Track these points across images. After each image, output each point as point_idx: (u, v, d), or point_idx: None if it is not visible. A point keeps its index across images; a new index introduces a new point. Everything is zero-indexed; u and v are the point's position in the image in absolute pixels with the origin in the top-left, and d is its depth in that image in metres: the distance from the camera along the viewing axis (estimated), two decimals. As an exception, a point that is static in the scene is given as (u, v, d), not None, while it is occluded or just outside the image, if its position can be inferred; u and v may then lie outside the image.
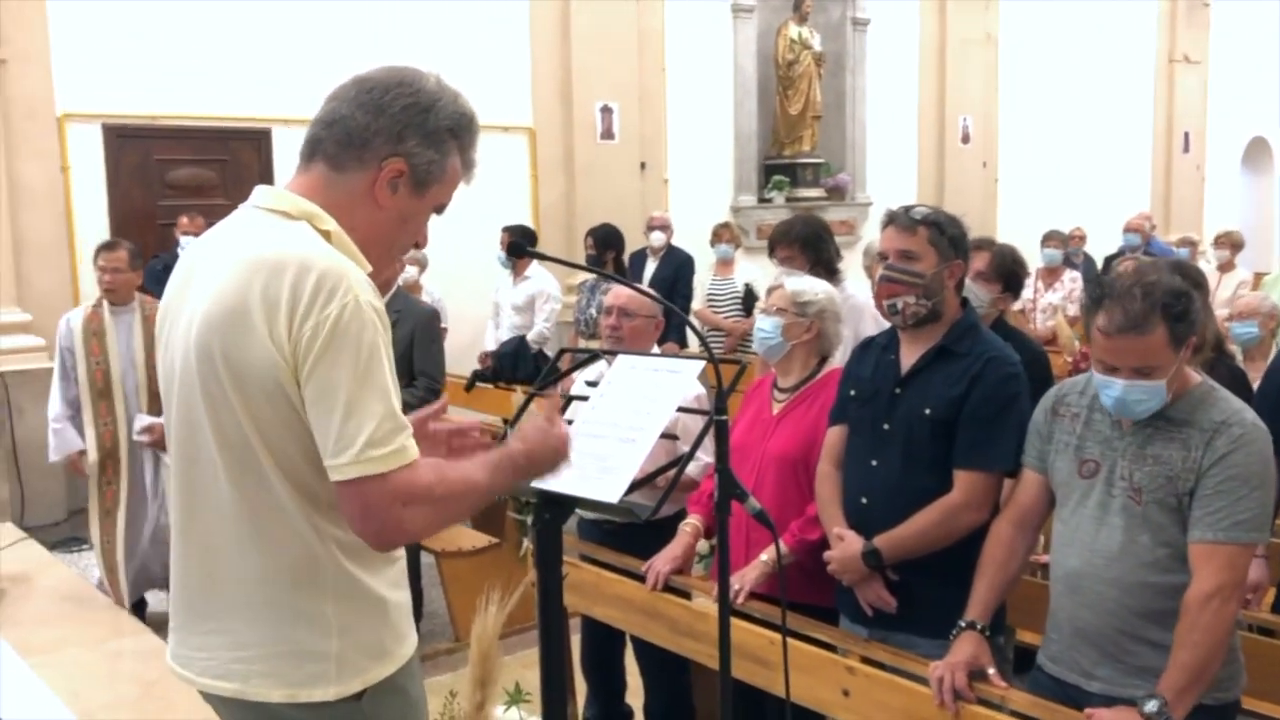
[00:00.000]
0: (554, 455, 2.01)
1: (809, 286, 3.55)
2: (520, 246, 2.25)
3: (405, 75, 1.85)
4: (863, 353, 3.25)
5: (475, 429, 2.12)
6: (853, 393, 3.18)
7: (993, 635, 2.72)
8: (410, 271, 7.95)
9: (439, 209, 1.93)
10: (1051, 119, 14.58)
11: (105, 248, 5.37)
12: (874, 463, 3.05)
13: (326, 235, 1.78)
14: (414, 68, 1.87)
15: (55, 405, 5.24)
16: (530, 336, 8.17)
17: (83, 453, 5.23)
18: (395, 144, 1.81)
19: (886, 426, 3.05)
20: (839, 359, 3.74)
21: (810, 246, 4.84)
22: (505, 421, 6.44)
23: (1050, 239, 9.72)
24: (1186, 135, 16.29)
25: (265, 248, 1.74)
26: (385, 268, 1.94)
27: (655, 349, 4.12)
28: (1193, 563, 2.35)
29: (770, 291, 3.68)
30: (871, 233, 12.17)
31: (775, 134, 12.06)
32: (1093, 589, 2.50)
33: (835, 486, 3.18)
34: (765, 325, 3.54)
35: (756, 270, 8.51)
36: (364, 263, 1.81)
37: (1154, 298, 2.36)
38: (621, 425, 2.30)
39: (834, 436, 3.24)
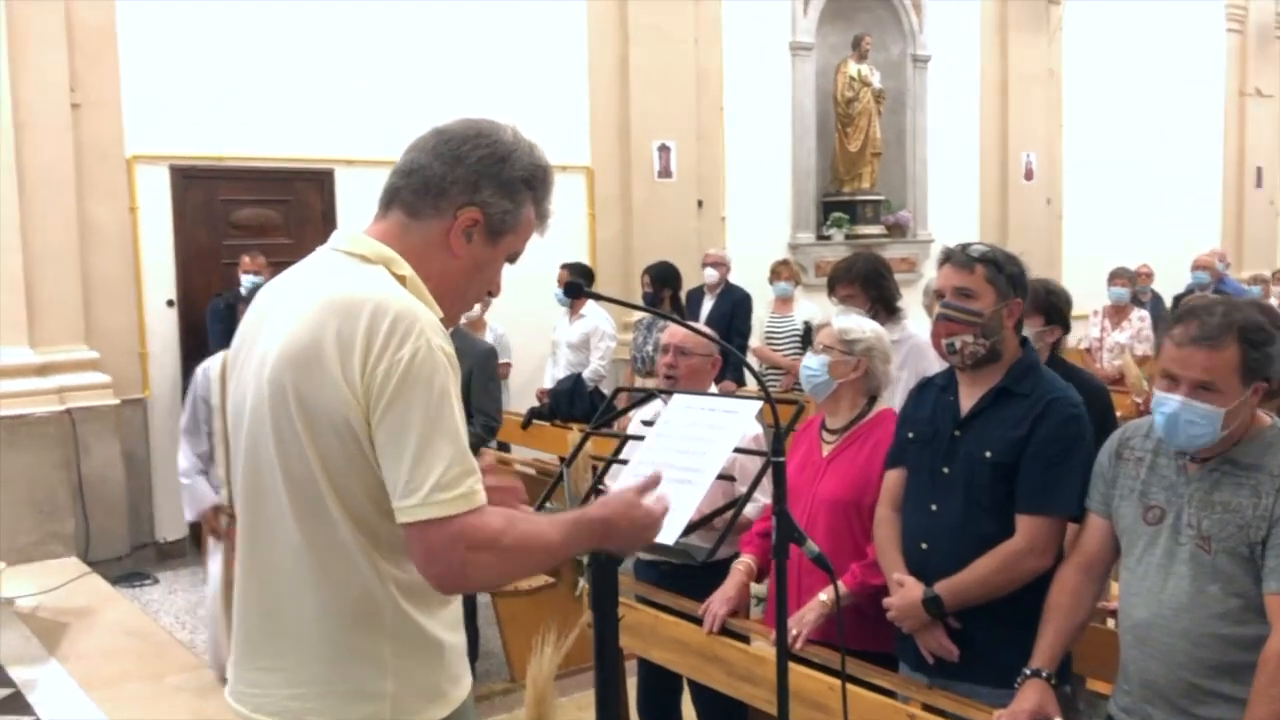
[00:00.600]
0: (636, 531, 1.93)
1: (856, 324, 3.56)
2: (578, 286, 2.28)
3: (483, 127, 1.89)
4: (920, 394, 3.22)
5: (518, 494, 2.08)
6: (911, 435, 3.15)
7: (1059, 684, 2.66)
8: (473, 310, 8.00)
9: (512, 258, 1.96)
10: (1117, 154, 14.40)
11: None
12: (934, 507, 3.02)
13: (401, 280, 1.81)
14: (492, 120, 1.91)
15: (184, 460, 5.04)
16: (586, 374, 8.21)
17: (218, 508, 5.04)
18: (471, 194, 1.85)
19: (946, 470, 3.01)
20: (895, 400, 3.71)
21: (871, 284, 4.85)
22: (561, 460, 6.45)
23: (1117, 277, 9.57)
24: (1259, 170, 15.99)
25: (341, 289, 1.77)
26: (458, 314, 1.97)
27: (712, 388, 4.13)
28: (1271, 615, 2.28)
29: (818, 330, 3.67)
30: (933, 270, 12.06)
31: (834, 171, 12.05)
32: (1161, 640, 2.44)
33: (894, 531, 3.15)
34: (812, 363, 3.54)
35: (816, 308, 8.47)
36: (436, 308, 1.83)
37: (1234, 319, 2.33)
38: (678, 466, 2.31)
39: (892, 480, 3.21)
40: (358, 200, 9.03)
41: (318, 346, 1.73)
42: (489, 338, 8.00)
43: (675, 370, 3.95)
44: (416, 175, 1.86)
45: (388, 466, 1.70)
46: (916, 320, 5.34)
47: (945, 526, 3.00)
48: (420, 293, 1.81)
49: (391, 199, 1.89)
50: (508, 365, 8.56)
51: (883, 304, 4.73)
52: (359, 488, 1.75)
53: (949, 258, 3.03)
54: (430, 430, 1.68)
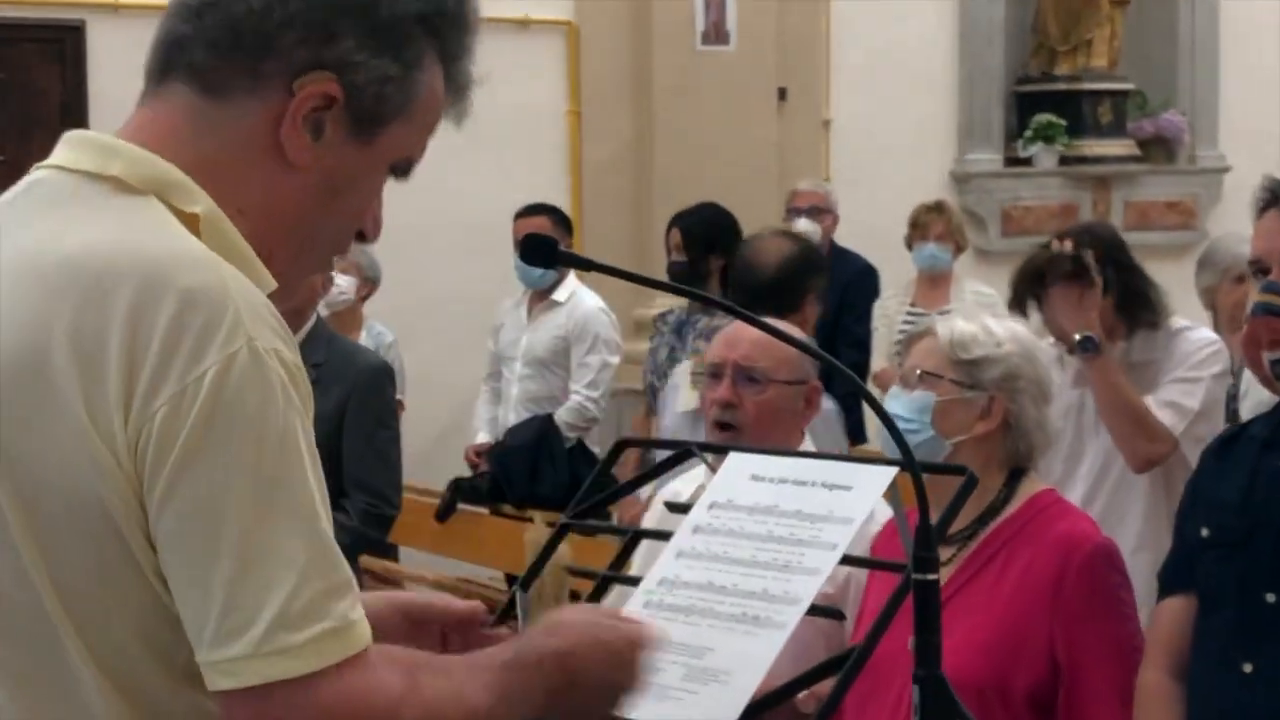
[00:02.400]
0: (614, 670, 2.01)
1: (983, 329, 3.59)
2: (548, 248, 2.28)
3: None
4: (1224, 455, 3.26)
5: (485, 620, 2.18)
6: (1205, 533, 3.19)
7: None
8: (341, 289, 8.06)
9: (402, 168, 1.99)
10: None
11: None
12: (1247, 668, 3.10)
13: (192, 222, 1.82)
14: None
15: None
16: (561, 415, 8.23)
17: None
18: (319, 47, 1.87)
19: (1273, 598, 3.06)
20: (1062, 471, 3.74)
21: (1128, 285, 4.92)
22: (511, 581, 6.41)
23: None
24: None
25: (76, 248, 1.78)
26: (301, 277, 1.99)
27: (806, 441, 4.13)
28: None
29: (910, 343, 3.71)
30: (1224, 223, 12.07)
31: (1040, 35, 12.09)
32: None
33: (1175, 714, 3.22)
34: (900, 407, 3.55)
35: (993, 294, 8.46)
36: (263, 274, 1.85)
37: None
38: (737, 592, 2.31)
39: (1172, 616, 3.27)
40: (130, 79, 9.13)
41: (37, 362, 1.74)
42: (366, 343, 8.00)
43: (735, 411, 3.96)
44: (214, 14, 1.88)
45: (184, 588, 1.71)
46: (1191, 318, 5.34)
47: (1272, 701, 3.06)
48: (228, 243, 1.82)
49: (169, 62, 1.91)
50: (400, 403, 8.61)
51: (1146, 319, 4.86)
52: (125, 626, 1.76)
53: (1275, 200, 3.07)
54: (264, 513, 1.70)
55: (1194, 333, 5.09)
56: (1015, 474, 3.56)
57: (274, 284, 1.85)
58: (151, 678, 1.78)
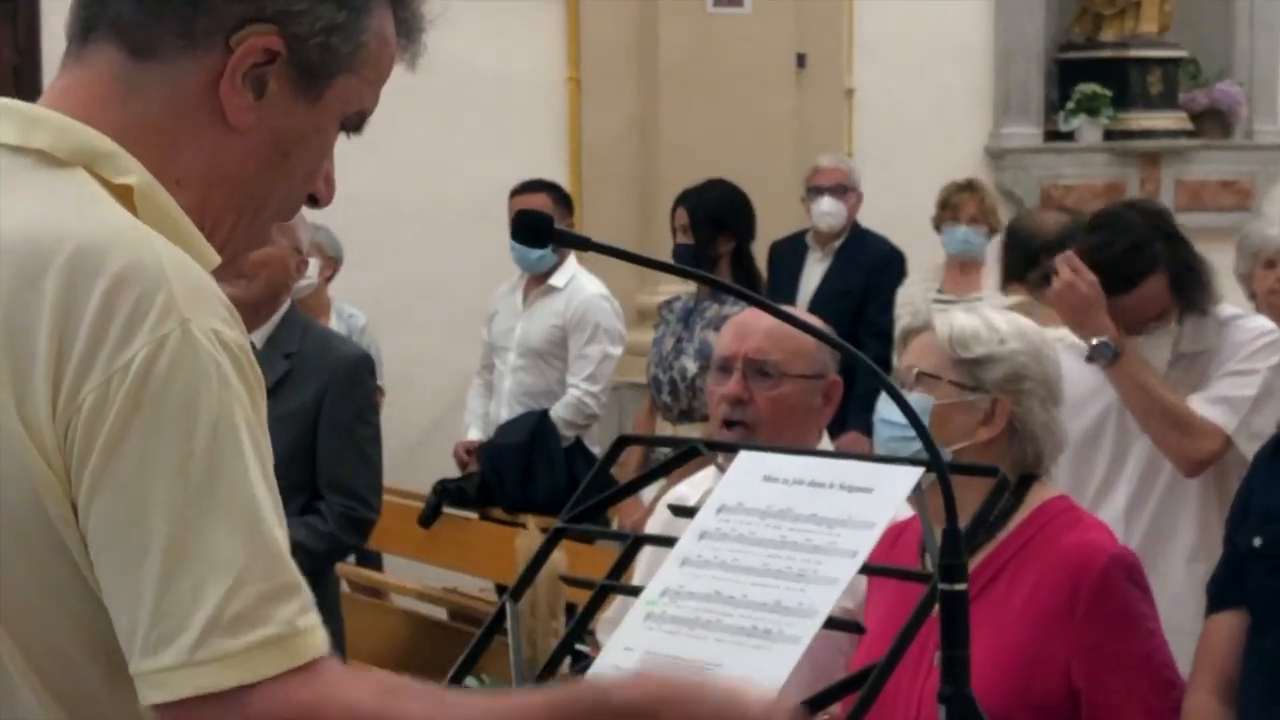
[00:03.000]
0: None
1: (985, 324, 3.59)
2: (544, 227, 2.28)
3: None
4: (1275, 462, 3.33)
5: None
6: (1257, 542, 3.24)
7: None
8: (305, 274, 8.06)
9: (354, 123, 1.99)
10: None
11: None
12: None
13: (125, 194, 1.82)
14: None
15: None
16: (557, 411, 8.25)
17: None
18: None
19: None
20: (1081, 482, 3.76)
21: (1183, 270, 4.88)
22: (502, 591, 6.40)
23: None
24: None
25: (1, 226, 1.78)
26: (246, 250, 1.98)
27: (825, 440, 4.14)
28: None
29: (905, 339, 3.72)
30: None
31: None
32: None
33: None
34: (894, 412, 3.48)
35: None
36: (204, 249, 1.85)
37: None
38: (748, 604, 2.32)
39: (1219, 633, 3.32)
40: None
41: None
42: (336, 327, 7.99)
43: (748, 408, 3.96)
44: None
45: (113, 595, 1.72)
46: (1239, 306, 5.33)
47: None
48: (165, 216, 1.82)
49: (90, 20, 1.91)
50: (381, 393, 8.64)
51: (1200, 301, 4.80)
52: (71, 635, 1.77)
53: None
54: (193, 511, 1.69)
55: (1248, 321, 5.06)
56: (1024, 481, 3.56)
57: (216, 260, 1.86)
58: (96, 688, 1.79)
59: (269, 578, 1.72)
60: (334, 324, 8.08)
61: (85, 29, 1.91)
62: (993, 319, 3.59)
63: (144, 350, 1.69)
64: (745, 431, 3.91)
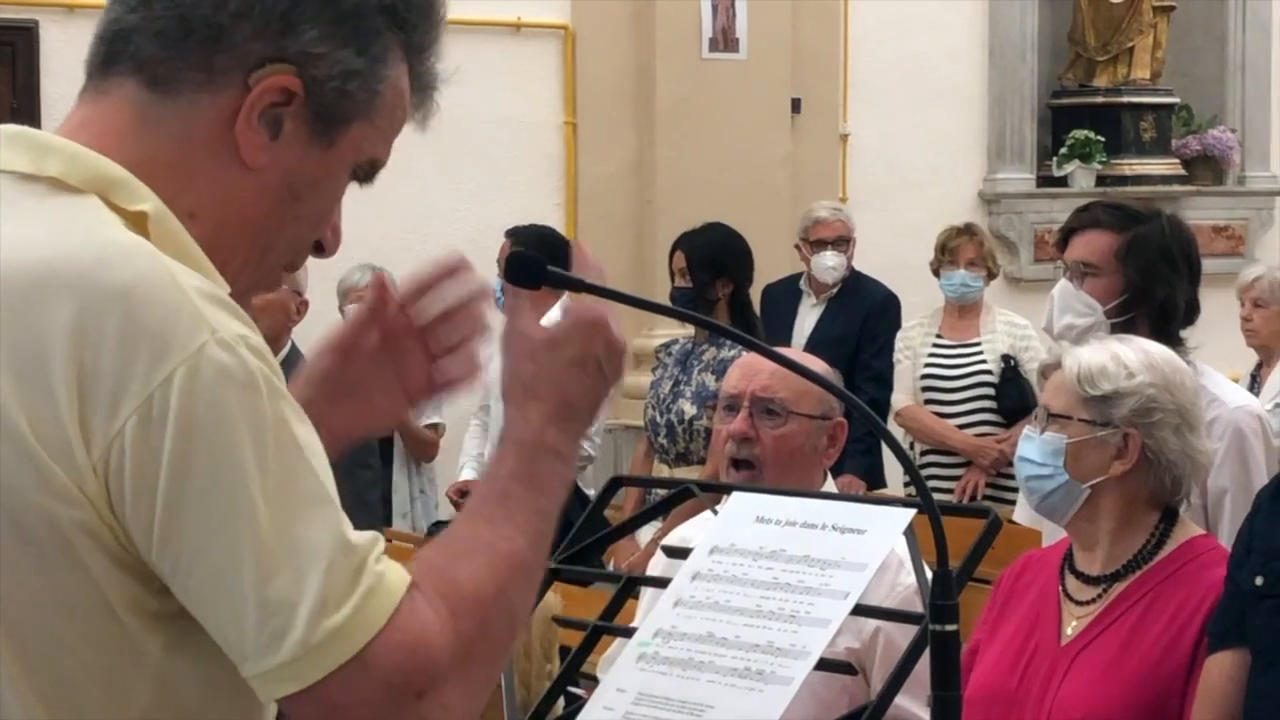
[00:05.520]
0: (598, 377, 2.06)
1: (1112, 359, 3.58)
2: (536, 268, 2.28)
3: None
4: (1277, 504, 3.30)
5: (478, 297, 2.23)
6: (1259, 581, 3.22)
7: None
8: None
9: (365, 172, 1.99)
10: None
11: None
12: None
13: (138, 220, 1.82)
14: None
15: None
16: (553, 454, 8.21)
17: None
18: (276, 37, 1.87)
19: None
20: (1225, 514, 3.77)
21: (1143, 260, 4.75)
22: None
23: None
24: None
25: (6, 253, 1.78)
26: (254, 288, 1.97)
27: (829, 482, 4.12)
28: None
29: (1042, 376, 3.70)
30: (1276, 249, 12.08)
31: (1077, 43, 12.11)
32: None
33: None
34: (1032, 451, 3.57)
35: (1027, 326, 8.51)
36: (215, 277, 1.84)
37: None
38: (742, 644, 2.32)
39: (1222, 672, 3.29)
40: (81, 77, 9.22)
41: None
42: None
43: (754, 446, 3.94)
44: (164, 1, 1.87)
45: (212, 609, 1.73)
46: (1218, 358, 5.22)
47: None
48: (178, 245, 1.82)
49: (113, 54, 1.90)
50: (436, 429, 8.73)
51: (1164, 314, 4.66)
52: (83, 663, 1.77)
53: None
54: (275, 512, 1.71)
55: (1221, 404, 4.44)
56: (1169, 515, 3.58)
57: (226, 289, 1.84)
58: (92, 703, 1.78)
59: (350, 551, 1.76)
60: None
61: (106, 63, 1.91)
62: (1120, 353, 3.59)
63: (183, 366, 1.70)
64: (751, 472, 3.89)
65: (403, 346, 2.25)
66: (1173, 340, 4.28)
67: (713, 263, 7.95)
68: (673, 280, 8.08)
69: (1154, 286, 4.48)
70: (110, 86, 1.90)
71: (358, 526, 5.34)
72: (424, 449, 8.88)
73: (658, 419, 7.79)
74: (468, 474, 8.50)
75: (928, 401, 8.56)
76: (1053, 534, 4.09)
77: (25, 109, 8.94)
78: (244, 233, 1.91)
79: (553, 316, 2.06)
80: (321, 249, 2.01)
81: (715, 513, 2.68)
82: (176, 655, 1.78)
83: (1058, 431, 3.55)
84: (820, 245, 8.84)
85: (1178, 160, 12.17)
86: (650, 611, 2.59)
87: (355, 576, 1.74)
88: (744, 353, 4.29)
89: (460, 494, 8.40)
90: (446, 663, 1.78)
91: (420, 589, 1.80)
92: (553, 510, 1.99)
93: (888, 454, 7.72)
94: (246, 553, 1.70)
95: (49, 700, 1.79)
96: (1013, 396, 8.30)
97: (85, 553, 1.73)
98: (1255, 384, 8.18)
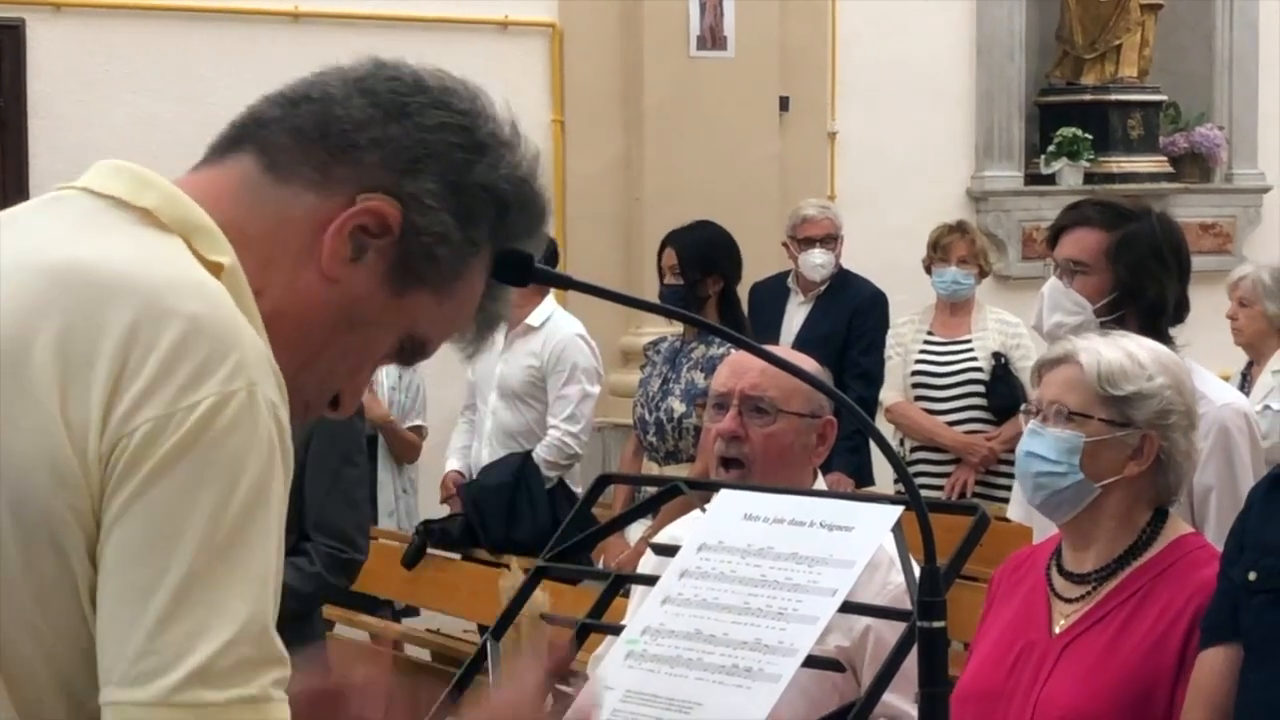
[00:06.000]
0: None
1: (1129, 358, 3.57)
2: (523, 265, 2.27)
3: (463, 86, 2.00)
4: (1270, 499, 3.31)
5: (376, 696, 2.13)
6: (1252, 576, 3.22)
7: None
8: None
9: (410, 350, 2.02)
10: None
11: None
12: None
13: (215, 270, 1.84)
14: (477, 85, 2.01)
15: None
16: (539, 453, 8.25)
17: None
18: (397, 175, 1.90)
19: None
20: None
21: (1133, 258, 4.73)
22: (482, 630, 6.37)
23: None
24: None
25: (88, 254, 1.80)
26: (292, 388, 1.99)
27: (819, 480, 4.11)
28: None
29: (1040, 372, 3.69)
30: (1264, 246, 12.08)
31: (1063, 40, 12.13)
32: None
33: None
34: (1044, 448, 3.56)
35: (1019, 328, 8.53)
36: (267, 346, 1.84)
37: None
38: (729, 642, 2.32)
39: (1212, 668, 3.30)
40: (71, 81, 9.19)
41: (15, 351, 1.75)
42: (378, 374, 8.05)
43: (743, 446, 3.92)
44: (311, 106, 1.93)
45: (110, 615, 1.72)
46: (1205, 356, 5.19)
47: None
48: (243, 299, 1.83)
49: (242, 136, 1.95)
50: (420, 429, 8.85)
51: (1155, 311, 4.65)
52: (50, 659, 1.77)
53: None
54: (213, 562, 1.70)
55: (1208, 400, 4.61)
56: (1160, 514, 3.59)
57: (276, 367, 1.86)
58: (54, 708, 1.78)
59: (262, 646, 1.73)
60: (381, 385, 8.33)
61: (232, 144, 1.94)
62: (1135, 352, 3.60)
63: (211, 400, 1.71)
64: (740, 470, 3.87)
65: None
66: (1162, 338, 4.29)
67: (704, 260, 7.95)
68: (661, 278, 8.07)
69: (1144, 285, 4.48)
70: (228, 162, 1.94)
71: (346, 524, 5.32)
72: (408, 451, 8.94)
73: (646, 417, 7.80)
74: (453, 463, 8.54)
75: (918, 398, 8.59)
76: (1043, 531, 4.10)
77: (13, 106, 8.95)
78: (295, 333, 1.92)
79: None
80: (337, 405, 2.03)
81: (704, 511, 2.67)
82: None
83: (1075, 429, 3.54)
84: (808, 243, 8.84)
85: (1165, 158, 12.19)
86: (639, 609, 2.59)
87: (248, 675, 1.72)
88: (733, 350, 4.28)
89: (455, 485, 8.41)
90: None
91: None
92: None
93: (876, 452, 7.74)
94: (166, 584, 1.70)
95: (15, 683, 1.79)
96: (1003, 394, 8.34)
97: (67, 538, 1.74)
98: (1246, 383, 8.19)
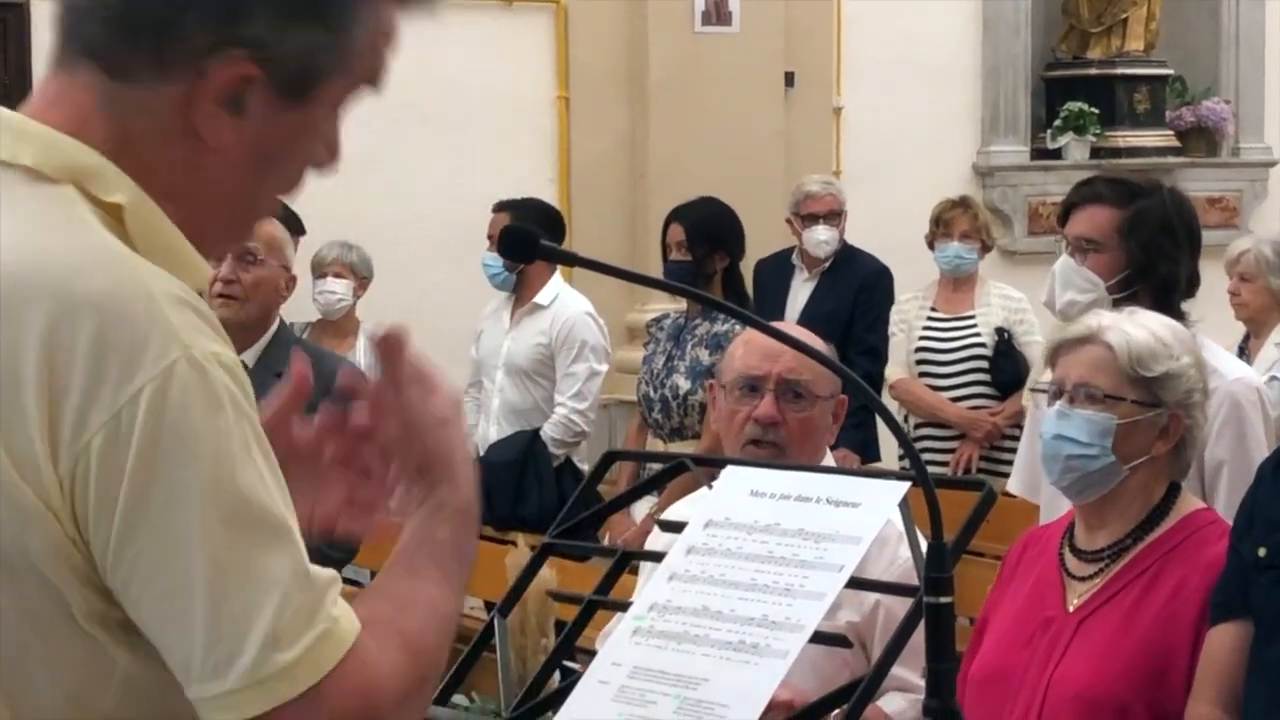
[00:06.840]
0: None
1: (1155, 338, 3.57)
2: (530, 242, 2.28)
3: None
4: (1277, 478, 3.30)
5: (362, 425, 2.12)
6: (1262, 552, 3.23)
7: None
8: (338, 294, 8.24)
9: (370, 82, 1.96)
10: None
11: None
12: None
13: (114, 212, 1.81)
14: None
15: None
16: (547, 430, 8.25)
17: None
18: (225, 26, 1.84)
19: None
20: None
21: (1145, 235, 4.72)
22: (489, 607, 6.39)
23: None
24: None
25: None
26: (230, 247, 1.96)
27: (829, 457, 4.10)
28: None
29: (1055, 352, 3.69)
30: (1270, 220, 12.08)
31: (1069, 15, 12.11)
32: None
33: None
34: (1076, 430, 3.55)
35: (1021, 299, 8.55)
36: (197, 265, 1.85)
37: None
38: (736, 618, 2.32)
39: (1223, 645, 3.31)
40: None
41: None
42: (367, 349, 8.03)
43: (779, 431, 3.87)
44: None
45: (160, 629, 1.72)
46: (1212, 330, 5.18)
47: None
48: (156, 234, 1.82)
49: (70, 33, 1.89)
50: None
51: (1167, 287, 4.64)
52: (55, 681, 1.77)
53: None
54: (232, 536, 1.70)
55: (1219, 374, 4.43)
56: (1173, 489, 3.61)
57: (208, 275, 1.86)
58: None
59: (307, 585, 1.74)
60: (362, 344, 8.22)
61: (66, 39, 1.89)
62: (1158, 331, 3.60)
63: (151, 383, 1.69)
64: (774, 451, 3.86)
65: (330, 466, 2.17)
66: (1174, 314, 4.29)
67: (711, 236, 7.93)
68: (666, 253, 8.05)
69: (1156, 261, 4.48)
70: (74, 66, 1.88)
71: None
72: None
73: (651, 394, 7.79)
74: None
75: (922, 374, 8.57)
76: (1049, 505, 4.10)
77: (16, 87, 8.94)
78: (220, 207, 1.91)
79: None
80: (320, 166, 1.99)
81: (710, 487, 2.67)
82: (143, 661, 1.77)
83: (1107, 411, 3.53)
84: (812, 219, 8.82)
85: (1172, 132, 12.15)
86: (646, 585, 2.59)
87: (310, 615, 1.74)
88: (737, 327, 4.26)
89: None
90: (391, 709, 1.80)
91: (371, 636, 1.80)
92: (467, 573, 2.02)
93: (882, 428, 7.72)
94: (200, 576, 1.70)
95: (17, 707, 1.79)
96: (1006, 369, 8.34)
97: (51, 570, 1.73)
98: (1243, 356, 8.18)
